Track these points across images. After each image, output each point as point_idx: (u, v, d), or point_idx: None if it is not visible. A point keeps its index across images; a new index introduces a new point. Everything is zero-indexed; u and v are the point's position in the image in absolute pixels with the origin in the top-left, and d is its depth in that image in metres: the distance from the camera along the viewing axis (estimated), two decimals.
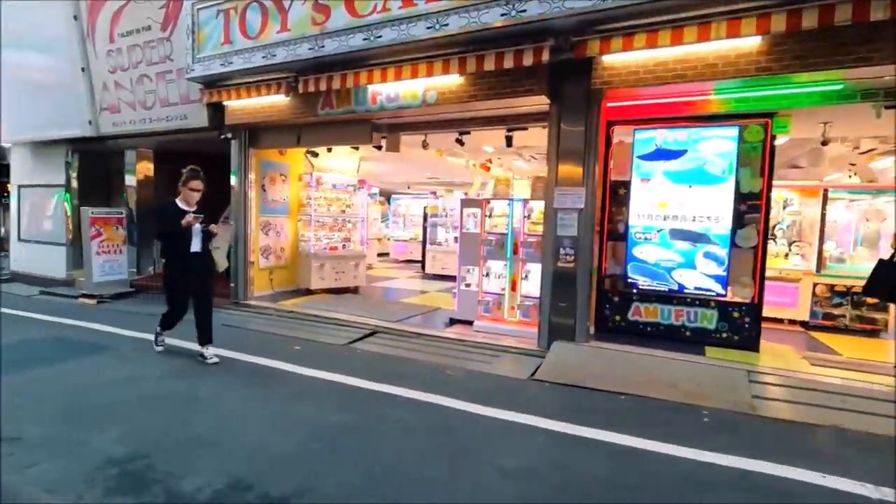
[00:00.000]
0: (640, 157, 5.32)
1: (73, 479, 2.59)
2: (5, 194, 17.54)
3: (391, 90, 5.59)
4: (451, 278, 7.66)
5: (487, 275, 5.96)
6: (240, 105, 6.82)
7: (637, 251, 5.37)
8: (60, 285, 9.43)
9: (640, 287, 5.37)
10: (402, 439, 3.16)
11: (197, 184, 4.62)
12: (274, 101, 6.50)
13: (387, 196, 16.05)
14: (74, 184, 9.59)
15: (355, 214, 8.71)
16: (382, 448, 3.01)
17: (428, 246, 11.14)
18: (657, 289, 5.30)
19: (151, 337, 5.14)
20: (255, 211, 7.52)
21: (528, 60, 4.43)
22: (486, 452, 3.00)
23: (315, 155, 7.45)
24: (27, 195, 10.43)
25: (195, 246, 4.59)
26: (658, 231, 5.26)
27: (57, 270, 9.67)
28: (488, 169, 10.07)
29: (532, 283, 5.59)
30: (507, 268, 5.83)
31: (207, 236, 4.68)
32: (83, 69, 8.31)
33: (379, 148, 6.73)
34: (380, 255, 14.25)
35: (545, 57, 4.35)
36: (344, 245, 8.48)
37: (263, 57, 5.79)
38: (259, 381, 4.26)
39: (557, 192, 4.92)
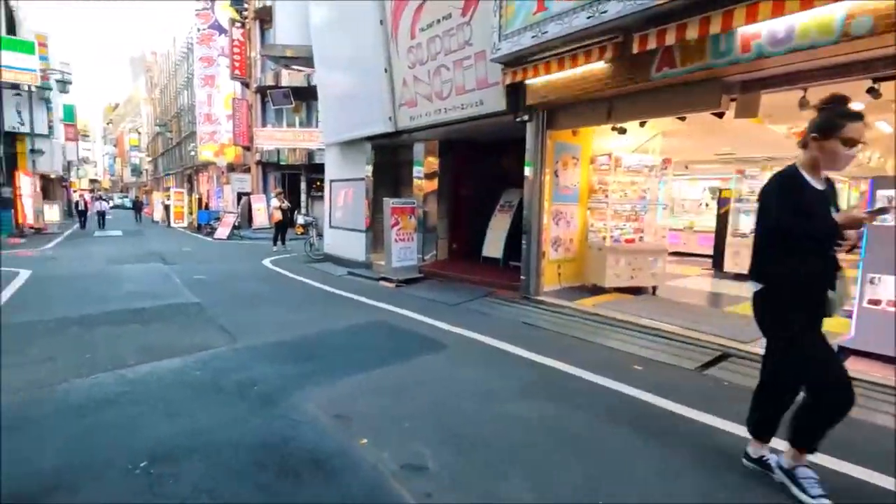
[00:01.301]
0: None
1: None
2: (314, 188, 21.66)
3: (780, 27, 4.04)
4: None
5: None
6: (543, 82, 6.17)
7: None
8: (361, 267, 10.69)
9: None
10: None
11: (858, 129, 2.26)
12: (587, 71, 5.62)
13: None
14: (370, 177, 10.68)
15: (653, 200, 7.35)
16: None
17: (728, 238, 9.02)
18: None
19: (471, 334, 4.84)
20: (548, 198, 6.87)
21: None
22: None
23: (622, 132, 6.37)
24: (336, 188, 12.21)
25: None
26: None
27: (358, 254, 11.01)
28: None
29: None
30: None
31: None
32: (386, 70, 8.97)
33: (720, 115, 5.23)
34: None
35: None
36: (640, 237, 7.23)
37: (588, 17, 4.90)
38: (643, 423, 3.23)
39: None
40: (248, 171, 23.34)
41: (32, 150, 20.24)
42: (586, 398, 3.62)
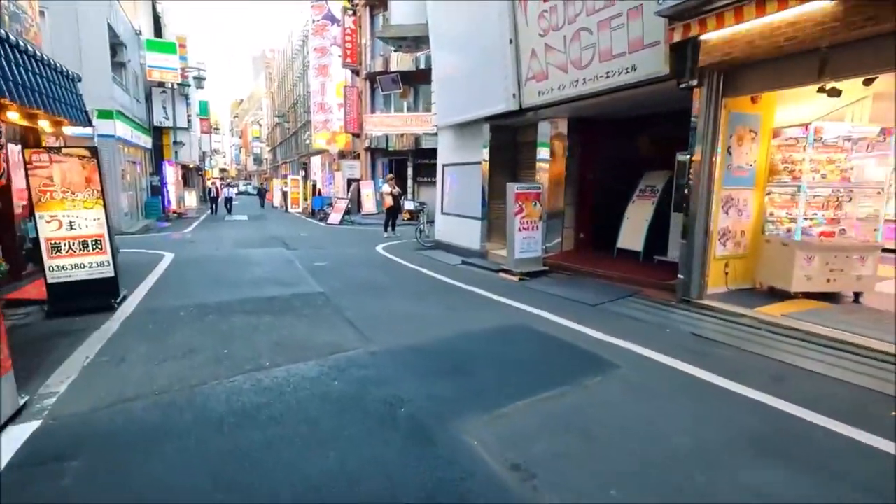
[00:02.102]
0: None
1: None
2: (420, 173, 21.53)
3: None
4: None
5: None
6: (727, 35, 4.94)
7: None
8: (475, 256, 10.09)
9: None
10: None
11: None
12: (800, 15, 4.33)
13: None
14: (487, 160, 9.95)
15: (860, 183, 5.75)
16: None
17: None
18: None
19: (637, 349, 3.95)
20: (719, 181, 5.64)
21: None
22: None
23: (835, 94, 4.92)
24: (449, 173, 11.70)
25: None
26: None
27: (472, 242, 10.42)
28: None
29: None
30: None
31: None
32: (511, 41, 8.13)
33: None
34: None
35: None
36: (841, 229, 5.71)
37: None
38: None
39: None
40: (357, 157, 23.92)
41: (175, 142, 22.47)
42: (848, 464, 2.58)
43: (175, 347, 4.25)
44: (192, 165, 28.61)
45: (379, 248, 11.80)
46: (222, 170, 71.99)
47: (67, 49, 13.20)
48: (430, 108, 21.03)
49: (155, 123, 20.84)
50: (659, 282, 6.40)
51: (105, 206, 5.55)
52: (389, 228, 14.18)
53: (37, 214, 5.26)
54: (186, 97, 23.52)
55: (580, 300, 6.27)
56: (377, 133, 21.19)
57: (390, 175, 14.21)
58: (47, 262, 5.34)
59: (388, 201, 13.96)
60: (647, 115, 8.08)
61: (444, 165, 11.92)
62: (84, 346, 4.30)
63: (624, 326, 5.04)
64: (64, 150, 5.32)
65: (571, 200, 9.03)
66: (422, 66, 19.73)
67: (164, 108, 20.88)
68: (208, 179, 39.47)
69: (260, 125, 67.06)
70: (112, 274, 5.66)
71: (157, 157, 21.65)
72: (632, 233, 8.27)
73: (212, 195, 24.44)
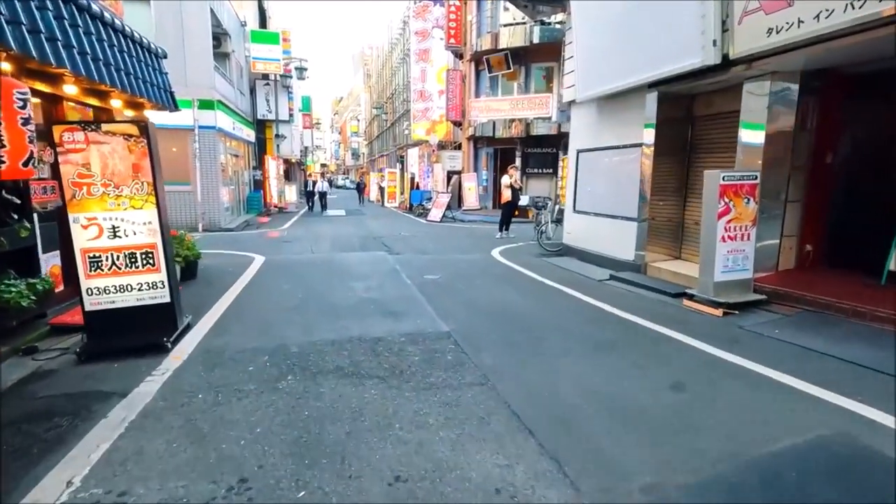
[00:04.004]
0: None
1: None
2: (529, 165, 19.11)
3: None
4: None
5: None
6: None
7: None
8: (627, 269, 7.59)
9: None
10: None
11: None
12: None
13: None
14: (652, 142, 7.36)
15: None
16: None
17: None
18: None
19: None
20: None
21: None
22: None
23: None
24: (587, 160, 9.24)
25: None
26: None
27: (622, 250, 7.91)
28: None
29: None
30: None
31: None
32: None
33: None
34: None
35: None
36: None
37: None
38: None
39: None
40: (458, 147, 22.06)
41: (277, 135, 22.18)
42: None
43: (219, 461, 2.41)
44: (293, 160, 28.69)
45: (495, 254, 9.69)
46: (323, 165, 74.77)
47: (170, 36, 12.63)
48: (545, 89, 18.49)
49: (258, 117, 20.56)
50: None
51: (158, 204, 3.96)
52: (504, 229, 12.00)
53: (70, 216, 3.78)
54: (288, 89, 23.19)
55: (878, 367, 3.62)
56: (482, 119, 19.08)
57: (513, 166, 11.97)
58: (84, 283, 3.86)
59: (507, 195, 11.74)
60: None
61: (578, 151, 9.47)
62: (92, 435, 2.64)
63: None
64: (105, 128, 3.78)
65: (796, 196, 6.16)
66: (535, 39, 17.25)
67: (267, 100, 20.52)
68: (309, 174, 40.11)
69: (358, 120, 68.40)
70: (167, 299, 4.08)
71: (259, 150, 21.46)
72: None
73: (308, 190, 23.79)
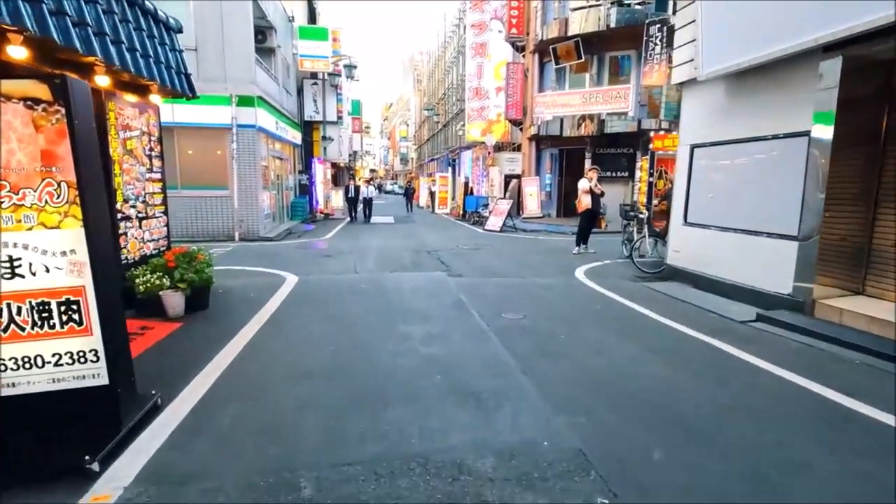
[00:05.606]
0: None
1: None
2: (600, 168, 16.83)
3: None
4: None
5: None
6: None
7: None
8: (780, 307, 5.41)
9: None
10: None
11: None
12: None
13: None
14: (825, 127, 5.15)
15: None
16: None
17: None
18: None
19: None
20: None
21: None
22: None
23: None
24: (707, 158, 7.09)
25: None
26: None
27: (768, 279, 5.74)
28: None
29: None
30: None
31: None
32: None
33: None
34: None
35: None
36: None
37: None
38: None
39: None
40: (517, 149, 20.07)
41: (324, 137, 21.02)
42: None
43: None
44: (341, 164, 27.63)
45: (581, 276, 7.68)
46: (372, 170, 74.58)
47: (210, 29, 11.49)
48: (621, 80, 16.22)
49: (305, 118, 19.45)
50: None
51: (88, 219, 2.31)
52: (583, 244, 9.92)
53: None
54: (337, 89, 22.04)
55: None
56: (548, 116, 17.01)
57: (593, 167, 9.88)
58: None
59: (585, 202, 9.65)
60: None
61: (692, 147, 7.34)
62: None
63: None
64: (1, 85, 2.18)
65: None
66: (612, 24, 15.06)
67: (315, 101, 19.36)
68: (352, 177, 38.89)
69: (407, 125, 67.61)
70: (104, 380, 2.41)
71: (306, 153, 20.35)
72: None
73: (349, 196, 19.13)
